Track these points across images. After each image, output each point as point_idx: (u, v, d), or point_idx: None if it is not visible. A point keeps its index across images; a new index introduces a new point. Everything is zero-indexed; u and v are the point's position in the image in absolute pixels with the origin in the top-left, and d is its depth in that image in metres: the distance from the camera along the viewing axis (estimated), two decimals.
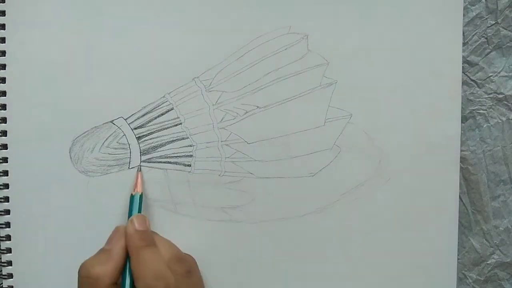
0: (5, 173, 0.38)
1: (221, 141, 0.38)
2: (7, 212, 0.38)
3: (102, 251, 0.34)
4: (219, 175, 0.38)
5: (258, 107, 0.38)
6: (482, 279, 0.39)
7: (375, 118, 0.38)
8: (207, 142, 0.38)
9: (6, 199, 0.38)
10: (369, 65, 0.38)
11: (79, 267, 0.33)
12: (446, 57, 0.38)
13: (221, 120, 0.38)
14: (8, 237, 0.38)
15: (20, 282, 0.38)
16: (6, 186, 0.38)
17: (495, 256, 0.39)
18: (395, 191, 0.38)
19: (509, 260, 0.39)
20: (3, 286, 0.38)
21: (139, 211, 0.36)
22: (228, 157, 0.38)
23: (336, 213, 0.38)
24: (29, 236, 0.38)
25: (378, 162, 0.38)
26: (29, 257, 0.38)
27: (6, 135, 0.38)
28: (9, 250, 0.38)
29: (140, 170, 0.38)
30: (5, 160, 0.38)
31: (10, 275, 0.38)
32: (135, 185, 0.37)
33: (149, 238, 0.34)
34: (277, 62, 0.38)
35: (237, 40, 0.38)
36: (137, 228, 0.34)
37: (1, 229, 0.38)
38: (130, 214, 0.36)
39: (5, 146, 0.38)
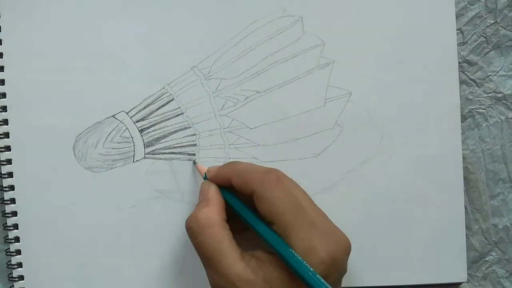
0: (10, 174, 0.38)
1: (224, 128, 0.38)
2: (14, 213, 0.38)
3: (198, 204, 0.34)
4: (224, 162, 0.38)
5: (258, 92, 0.38)
6: (480, 276, 0.40)
7: (375, 95, 0.38)
8: (209, 130, 0.38)
9: (13, 200, 0.38)
10: (365, 43, 0.38)
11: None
12: (441, 29, 0.38)
13: (222, 107, 0.38)
14: (16, 239, 0.38)
15: (31, 283, 0.38)
16: (12, 187, 0.38)
17: (494, 254, 0.40)
18: (399, 166, 0.39)
19: (507, 257, 0.40)
20: None
21: None
22: (232, 144, 0.38)
23: (341, 192, 0.39)
24: (37, 236, 0.38)
25: (380, 138, 0.39)
26: (38, 257, 0.38)
27: (8, 137, 0.38)
28: (18, 252, 0.38)
29: (196, 163, 0.38)
30: (9, 161, 0.38)
31: (21, 277, 0.38)
32: (200, 172, 0.37)
33: (234, 162, 0.35)
34: (274, 46, 0.38)
35: (232, 26, 0.38)
36: (217, 167, 0.35)
37: (10, 231, 0.38)
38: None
39: (8, 148, 0.38)
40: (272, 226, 0.31)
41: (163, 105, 0.38)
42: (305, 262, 0.29)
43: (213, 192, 0.34)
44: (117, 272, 0.38)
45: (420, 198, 0.38)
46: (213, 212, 0.32)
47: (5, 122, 0.38)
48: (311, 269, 0.29)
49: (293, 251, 0.30)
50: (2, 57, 0.38)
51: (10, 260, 0.38)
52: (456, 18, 0.38)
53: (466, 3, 0.39)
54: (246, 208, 0.33)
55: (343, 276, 0.32)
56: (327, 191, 0.39)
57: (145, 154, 0.38)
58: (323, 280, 0.29)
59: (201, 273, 0.38)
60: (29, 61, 0.38)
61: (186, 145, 0.38)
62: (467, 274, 0.39)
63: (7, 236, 0.38)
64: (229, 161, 0.38)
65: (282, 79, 0.38)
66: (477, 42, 0.39)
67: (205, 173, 0.36)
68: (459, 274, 0.38)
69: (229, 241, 0.31)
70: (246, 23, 0.38)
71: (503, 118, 0.39)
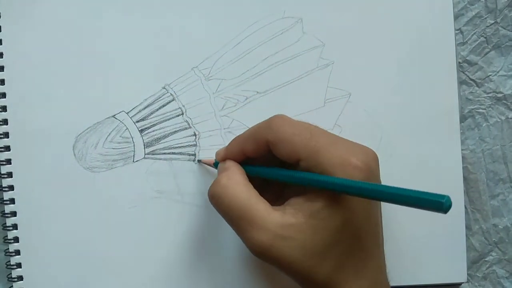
0: (10, 174, 0.38)
1: (224, 129, 0.38)
2: (14, 214, 0.38)
3: (218, 177, 0.32)
4: None
5: (258, 92, 0.39)
6: (480, 276, 0.40)
7: (374, 95, 0.39)
8: (210, 131, 0.39)
9: (12, 200, 0.38)
10: (364, 44, 0.39)
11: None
12: (440, 29, 0.38)
13: (222, 107, 0.38)
14: (16, 239, 0.38)
15: (30, 283, 0.38)
16: (11, 188, 0.38)
17: (494, 254, 0.40)
18: (398, 167, 0.39)
19: (507, 257, 0.40)
20: None
21: None
22: None
23: None
24: (37, 236, 0.38)
25: (380, 139, 0.39)
26: (38, 257, 0.38)
27: (8, 137, 0.38)
28: (17, 252, 0.38)
29: (199, 162, 0.38)
30: (8, 162, 0.38)
31: (20, 278, 0.38)
32: (210, 164, 0.37)
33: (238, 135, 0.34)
34: (274, 47, 0.38)
35: (233, 27, 0.38)
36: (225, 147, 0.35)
37: (9, 231, 0.38)
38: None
39: (8, 148, 0.38)
40: (299, 164, 0.30)
41: (164, 106, 0.38)
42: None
43: (229, 162, 0.33)
44: (117, 272, 0.38)
45: None
46: (235, 174, 0.32)
47: (5, 122, 0.38)
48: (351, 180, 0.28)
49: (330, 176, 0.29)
50: (2, 57, 0.38)
51: (9, 261, 0.38)
52: (456, 18, 0.39)
53: (466, 3, 0.39)
54: (265, 167, 0.33)
55: None
56: None
57: (145, 154, 0.38)
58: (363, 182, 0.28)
59: (201, 273, 0.39)
60: (29, 61, 0.38)
61: (186, 146, 0.38)
62: (467, 274, 0.39)
63: (7, 236, 0.38)
64: None
65: (282, 80, 0.39)
66: (477, 42, 0.39)
67: (215, 160, 0.36)
68: (459, 275, 0.38)
69: (257, 196, 0.30)
70: (246, 24, 0.38)
71: (503, 118, 0.40)
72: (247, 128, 0.34)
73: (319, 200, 0.29)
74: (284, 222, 0.29)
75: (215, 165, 0.36)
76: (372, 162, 0.31)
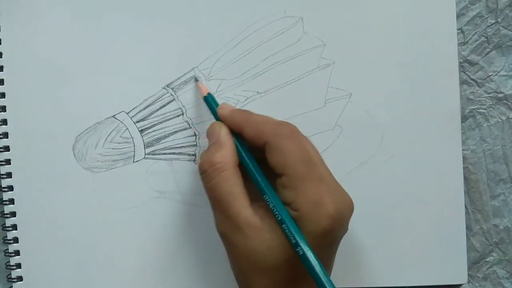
0: (9, 175, 0.38)
1: None
2: (13, 214, 0.38)
3: (209, 146, 0.34)
4: None
5: (258, 92, 0.38)
6: (481, 276, 0.40)
7: (375, 96, 0.39)
8: None
9: (12, 201, 0.38)
10: (365, 44, 0.38)
11: (199, 164, 0.33)
12: (442, 30, 0.38)
13: None
14: (15, 240, 0.38)
15: (30, 284, 0.38)
16: (11, 188, 0.38)
17: (494, 254, 0.40)
18: (399, 167, 0.39)
19: (508, 258, 0.40)
20: None
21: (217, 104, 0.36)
22: None
23: None
24: (36, 237, 0.38)
25: (380, 139, 0.39)
26: (37, 258, 0.38)
27: (7, 137, 0.38)
28: (17, 253, 0.38)
29: (197, 80, 0.38)
30: (8, 162, 0.38)
31: (20, 278, 0.38)
32: (201, 90, 0.37)
33: (248, 112, 0.34)
34: (274, 47, 0.38)
35: (233, 27, 0.38)
36: (231, 108, 0.35)
37: (8, 232, 0.38)
38: (213, 111, 0.35)
39: (7, 148, 0.38)
40: (281, 177, 0.31)
41: (164, 106, 0.38)
42: (297, 228, 0.30)
43: (226, 135, 0.33)
44: (117, 273, 0.38)
45: (420, 199, 0.39)
46: (227, 156, 0.32)
47: (4, 122, 0.38)
48: (304, 240, 0.29)
49: (287, 212, 0.30)
50: (1, 57, 0.38)
51: (9, 261, 0.38)
52: (457, 18, 0.39)
53: (467, 2, 0.39)
54: (251, 158, 0.33)
55: (343, 236, 0.32)
56: None
57: (145, 155, 0.38)
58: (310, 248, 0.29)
59: (201, 273, 0.38)
60: (29, 61, 0.38)
61: (187, 146, 0.38)
62: (468, 275, 0.39)
63: (6, 236, 0.38)
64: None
65: (282, 80, 0.38)
66: (478, 42, 0.39)
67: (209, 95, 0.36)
68: (460, 275, 0.38)
69: (240, 186, 0.31)
70: (246, 24, 0.38)
71: (504, 118, 0.39)
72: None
73: None
74: (252, 222, 0.30)
75: (206, 99, 0.36)
76: (345, 210, 0.31)
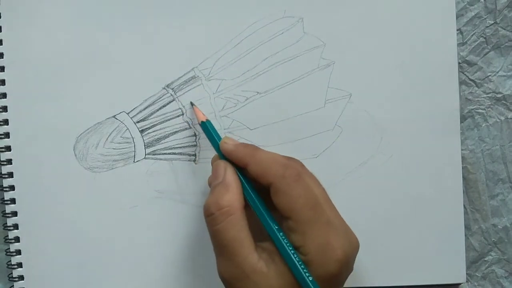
0: (10, 175, 0.38)
1: (224, 129, 0.38)
2: (15, 214, 0.38)
3: (215, 187, 0.32)
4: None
5: (258, 92, 0.38)
6: (479, 276, 0.40)
7: (375, 96, 0.39)
8: None
9: (13, 200, 0.38)
10: (365, 44, 0.38)
11: (203, 207, 0.32)
12: (441, 31, 0.38)
13: (223, 108, 0.38)
14: (16, 239, 0.38)
15: (31, 283, 0.38)
16: (12, 188, 0.38)
17: (493, 254, 0.40)
18: (398, 167, 0.39)
19: (507, 257, 0.40)
20: None
21: (216, 133, 0.35)
22: None
23: (341, 193, 0.39)
24: (37, 236, 0.38)
25: (380, 139, 0.39)
26: (38, 257, 0.38)
27: (9, 137, 0.38)
28: (18, 252, 0.38)
29: (193, 105, 0.37)
30: (9, 162, 0.38)
31: (21, 277, 0.38)
32: (198, 116, 0.36)
33: (253, 147, 0.33)
34: (274, 47, 0.38)
35: (233, 27, 0.38)
36: (235, 143, 0.34)
37: (10, 231, 0.38)
38: (212, 140, 0.35)
39: (8, 148, 0.38)
40: (288, 221, 0.31)
41: (164, 106, 0.38)
42: (305, 269, 0.30)
43: (232, 175, 0.33)
44: (117, 272, 0.38)
45: (419, 199, 0.39)
46: (235, 200, 0.32)
47: (6, 122, 0.38)
48: (311, 278, 0.29)
49: (292, 252, 0.30)
50: (2, 57, 0.38)
51: (10, 260, 0.38)
52: (456, 18, 0.39)
53: (465, 3, 0.39)
54: (257, 197, 0.33)
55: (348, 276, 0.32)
56: (327, 192, 0.39)
57: (145, 155, 0.38)
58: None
59: (201, 273, 0.39)
60: (30, 61, 0.38)
61: (187, 146, 0.38)
62: (466, 274, 0.39)
63: (7, 236, 0.38)
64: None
65: (282, 80, 0.38)
66: (476, 43, 0.39)
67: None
68: (458, 275, 0.39)
69: (246, 230, 0.31)
70: (246, 24, 0.38)
71: (502, 118, 0.40)
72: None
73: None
74: (258, 269, 0.30)
75: (203, 126, 0.35)
76: (352, 253, 0.31)
